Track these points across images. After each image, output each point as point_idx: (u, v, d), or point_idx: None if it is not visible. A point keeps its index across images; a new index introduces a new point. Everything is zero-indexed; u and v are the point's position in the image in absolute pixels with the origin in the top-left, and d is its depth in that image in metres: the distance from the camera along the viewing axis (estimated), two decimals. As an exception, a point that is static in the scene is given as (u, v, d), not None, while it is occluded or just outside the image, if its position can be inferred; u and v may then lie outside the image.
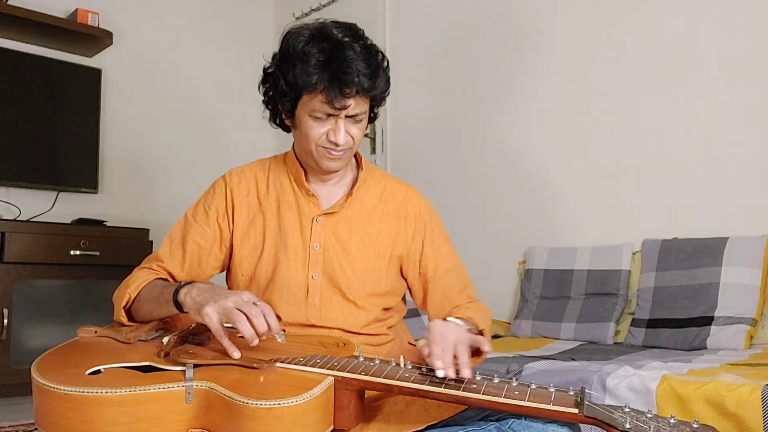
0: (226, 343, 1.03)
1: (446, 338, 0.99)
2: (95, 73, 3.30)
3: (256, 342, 1.02)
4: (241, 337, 1.03)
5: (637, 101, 2.52)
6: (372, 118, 1.31)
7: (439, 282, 1.33)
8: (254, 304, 1.03)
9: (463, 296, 1.33)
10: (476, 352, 1.09)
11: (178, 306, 1.11)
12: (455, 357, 0.97)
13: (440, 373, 0.94)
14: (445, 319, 1.14)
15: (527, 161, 2.86)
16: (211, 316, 1.02)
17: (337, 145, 1.21)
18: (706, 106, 2.34)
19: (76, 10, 3.18)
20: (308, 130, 1.22)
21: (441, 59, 3.25)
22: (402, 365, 1.02)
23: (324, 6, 3.77)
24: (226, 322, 1.03)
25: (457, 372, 0.95)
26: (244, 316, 1.01)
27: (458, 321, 1.14)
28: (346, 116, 1.20)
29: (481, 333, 1.19)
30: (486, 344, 1.04)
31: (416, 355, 1.40)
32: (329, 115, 1.20)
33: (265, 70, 1.26)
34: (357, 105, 1.19)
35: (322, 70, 1.15)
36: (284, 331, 1.20)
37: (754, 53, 2.23)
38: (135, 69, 3.54)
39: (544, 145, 2.80)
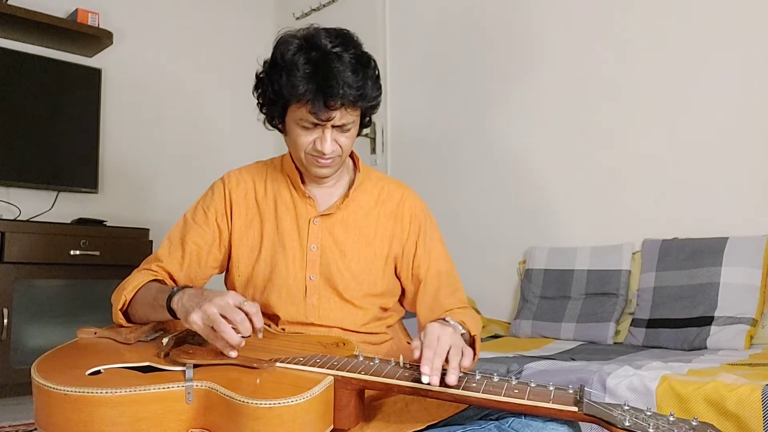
0: (221, 344, 1.03)
1: (441, 343, 0.97)
2: (95, 73, 3.30)
3: (242, 344, 1.02)
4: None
5: (637, 101, 2.52)
6: (366, 124, 1.31)
7: (430, 283, 1.33)
8: (239, 308, 1.02)
9: (453, 300, 1.32)
10: None
11: (172, 312, 1.11)
12: (446, 361, 0.96)
13: (425, 379, 0.93)
14: (444, 319, 1.14)
15: (527, 161, 2.86)
16: (198, 323, 1.02)
17: (323, 154, 1.22)
18: (706, 106, 2.33)
19: (76, 10, 3.18)
20: (296, 138, 1.23)
21: (442, 59, 3.25)
22: (401, 365, 1.02)
23: (324, 6, 3.76)
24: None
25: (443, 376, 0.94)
26: (227, 324, 1.00)
27: (456, 324, 1.14)
28: (333, 126, 1.20)
29: (473, 339, 1.19)
30: (468, 359, 0.99)
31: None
32: (316, 125, 1.20)
33: (257, 75, 1.27)
34: (343, 116, 1.19)
35: (307, 81, 1.15)
36: (268, 326, 1.24)
37: (754, 53, 2.23)
38: (135, 69, 3.54)
39: (544, 145, 2.80)
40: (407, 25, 3.43)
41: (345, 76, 1.16)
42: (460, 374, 0.97)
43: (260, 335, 1.05)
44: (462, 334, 1.12)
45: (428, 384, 0.93)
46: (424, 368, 0.93)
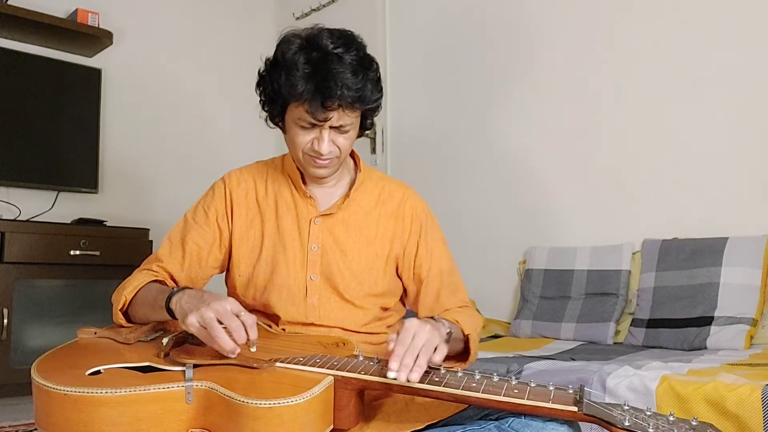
0: (218, 346, 1.02)
1: (416, 340, 0.97)
2: (95, 73, 3.30)
3: (237, 351, 1.01)
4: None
5: (636, 101, 2.52)
6: (366, 126, 1.31)
7: (431, 283, 1.33)
8: (236, 316, 1.01)
9: (454, 300, 1.32)
10: (461, 356, 1.13)
11: (171, 312, 1.11)
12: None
13: (391, 375, 0.93)
14: (432, 318, 1.13)
15: (527, 161, 2.86)
16: (194, 325, 1.02)
17: (320, 154, 1.22)
18: (706, 107, 2.33)
19: (76, 10, 3.18)
20: (294, 138, 1.23)
21: (442, 59, 3.25)
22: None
23: (324, 6, 3.76)
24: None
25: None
26: (222, 331, 0.99)
27: (443, 321, 1.12)
28: (331, 127, 1.20)
29: (467, 338, 1.19)
30: (438, 354, 0.99)
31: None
32: (314, 125, 1.19)
33: (259, 72, 1.27)
34: (341, 117, 1.19)
35: (306, 81, 1.15)
36: (269, 326, 1.26)
37: (754, 53, 2.23)
38: (135, 69, 3.54)
39: (544, 145, 2.80)
40: (407, 25, 3.43)
41: (344, 77, 1.15)
42: (460, 373, 0.97)
43: (253, 349, 1.04)
44: (452, 333, 1.12)
45: (393, 379, 0.93)
46: (392, 364, 0.93)
